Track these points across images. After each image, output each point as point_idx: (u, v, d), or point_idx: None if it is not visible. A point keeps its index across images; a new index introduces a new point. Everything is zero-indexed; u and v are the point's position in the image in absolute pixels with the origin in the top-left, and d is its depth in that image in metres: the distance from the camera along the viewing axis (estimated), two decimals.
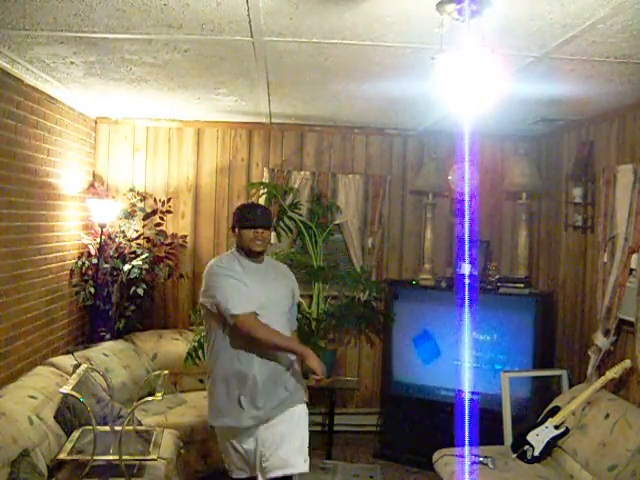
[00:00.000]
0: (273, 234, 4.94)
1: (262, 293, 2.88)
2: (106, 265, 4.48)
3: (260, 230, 2.87)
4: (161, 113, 4.75)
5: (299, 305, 3.54)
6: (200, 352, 4.20)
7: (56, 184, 4.04)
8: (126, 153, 4.98)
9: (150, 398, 2.97)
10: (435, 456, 3.67)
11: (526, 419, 3.93)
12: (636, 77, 3.05)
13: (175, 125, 5.01)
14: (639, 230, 3.43)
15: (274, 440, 2.82)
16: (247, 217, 2.90)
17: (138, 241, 4.69)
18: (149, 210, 4.84)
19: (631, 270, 3.50)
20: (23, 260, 3.58)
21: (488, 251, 5.06)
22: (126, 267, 4.44)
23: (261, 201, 4.96)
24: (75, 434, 3.09)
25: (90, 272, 4.47)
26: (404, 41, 2.62)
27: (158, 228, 4.84)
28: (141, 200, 4.85)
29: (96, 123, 4.92)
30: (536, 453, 3.50)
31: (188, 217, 5.05)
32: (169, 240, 4.84)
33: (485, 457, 3.45)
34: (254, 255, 2.93)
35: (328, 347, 4.92)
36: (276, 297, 2.95)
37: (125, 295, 4.53)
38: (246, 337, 2.79)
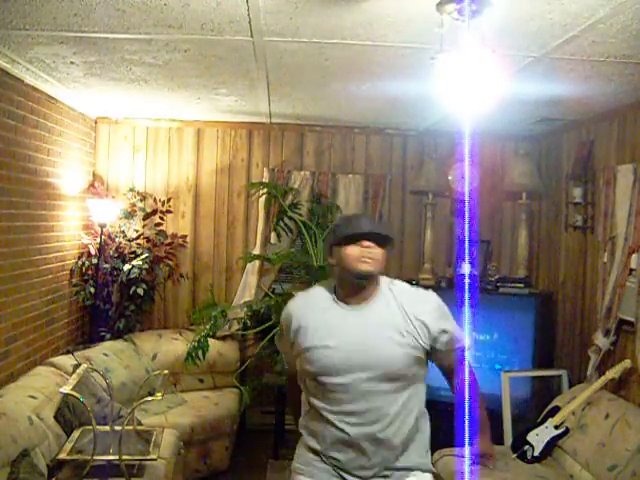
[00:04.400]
0: (273, 234, 4.94)
1: (342, 351, 1.98)
2: (106, 265, 4.48)
3: (366, 243, 1.98)
4: (161, 113, 4.75)
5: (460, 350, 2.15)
6: (200, 352, 4.20)
7: (56, 184, 4.04)
8: (126, 153, 4.98)
9: (150, 398, 2.98)
10: (435, 456, 3.67)
11: (526, 419, 3.93)
12: (636, 77, 3.05)
13: (175, 125, 5.01)
14: (639, 230, 3.43)
15: None
16: (348, 227, 2.02)
17: (138, 241, 4.70)
18: (149, 210, 4.84)
19: (631, 270, 3.50)
20: (23, 260, 3.58)
21: (488, 251, 5.05)
22: (126, 267, 4.45)
23: (261, 201, 4.96)
24: (75, 434, 3.09)
25: (90, 272, 4.47)
26: (404, 41, 2.62)
27: (158, 228, 4.85)
28: (141, 200, 4.85)
29: (96, 123, 4.91)
30: (536, 453, 3.50)
31: (188, 217, 5.05)
32: (169, 240, 4.84)
33: None
34: (357, 285, 2.03)
35: None
36: (364, 357, 1.96)
37: (125, 295, 4.53)
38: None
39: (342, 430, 1.98)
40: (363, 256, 1.98)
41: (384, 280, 2.15)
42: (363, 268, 1.97)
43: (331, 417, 2.00)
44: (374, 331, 2.00)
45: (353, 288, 2.04)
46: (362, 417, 1.98)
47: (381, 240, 2.03)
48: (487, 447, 2.16)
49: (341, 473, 2.03)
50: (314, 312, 2.07)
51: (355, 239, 1.98)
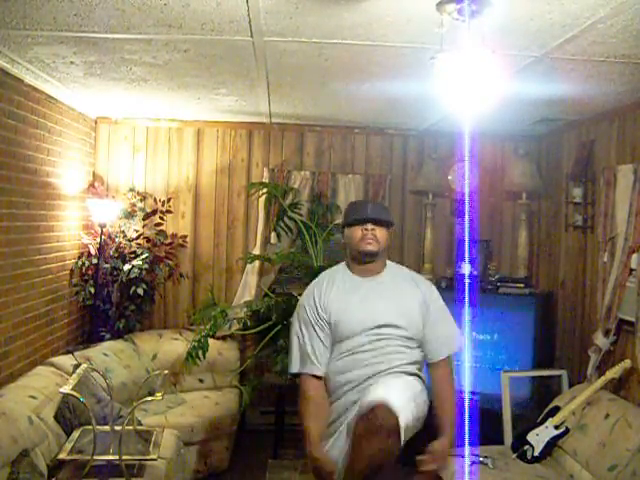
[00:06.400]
0: (273, 234, 4.94)
1: (365, 314, 2.36)
2: (106, 265, 4.48)
3: (370, 226, 2.33)
4: (161, 113, 4.74)
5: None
6: (200, 352, 4.19)
7: (56, 184, 4.04)
8: (126, 153, 4.98)
9: (150, 398, 2.97)
10: None
11: (526, 419, 3.93)
12: (636, 77, 3.05)
13: (175, 125, 5.01)
14: (639, 230, 3.44)
15: None
16: (353, 211, 2.41)
17: (138, 241, 4.69)
18: (149, 210, 4.84)
19: (631, 270, 3.50)
20: (23, 260, 3.58)
21: (488, 251, 5.06)
22: (126, 267, 4.45)
23: (261, 201, 4.96)
24: (75, 434, 3.09)
25: (90, 272, 4.47)
26: (404, 41, 2.62)
27: (158, 228, 4.85)
28: (141, 200, 4.85)
29: (96, 123, 4.91)
30: (536, 453, 3.50)
31: (188, 217, 5.05)
32: (169, 240, 4.84)
33: (485, 457, 3.45)
34: (365, 261, 2.39)
35: None
36: (388, 317, 2.36)
37: (125, 295, 4.53)
38: None
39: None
40: (366, 237, 2.33)
41: (391, 262, 2.53)
42: (367, 248, 2.33)
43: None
44: (386, 297, 2.37)
45: (362, 264, 2.39)
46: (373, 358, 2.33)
47: (382, 223, 2.35)
48: (442, 446, 2.32)
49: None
50: (336, 285, 2.42)
51: (359, 222, 2.34)
